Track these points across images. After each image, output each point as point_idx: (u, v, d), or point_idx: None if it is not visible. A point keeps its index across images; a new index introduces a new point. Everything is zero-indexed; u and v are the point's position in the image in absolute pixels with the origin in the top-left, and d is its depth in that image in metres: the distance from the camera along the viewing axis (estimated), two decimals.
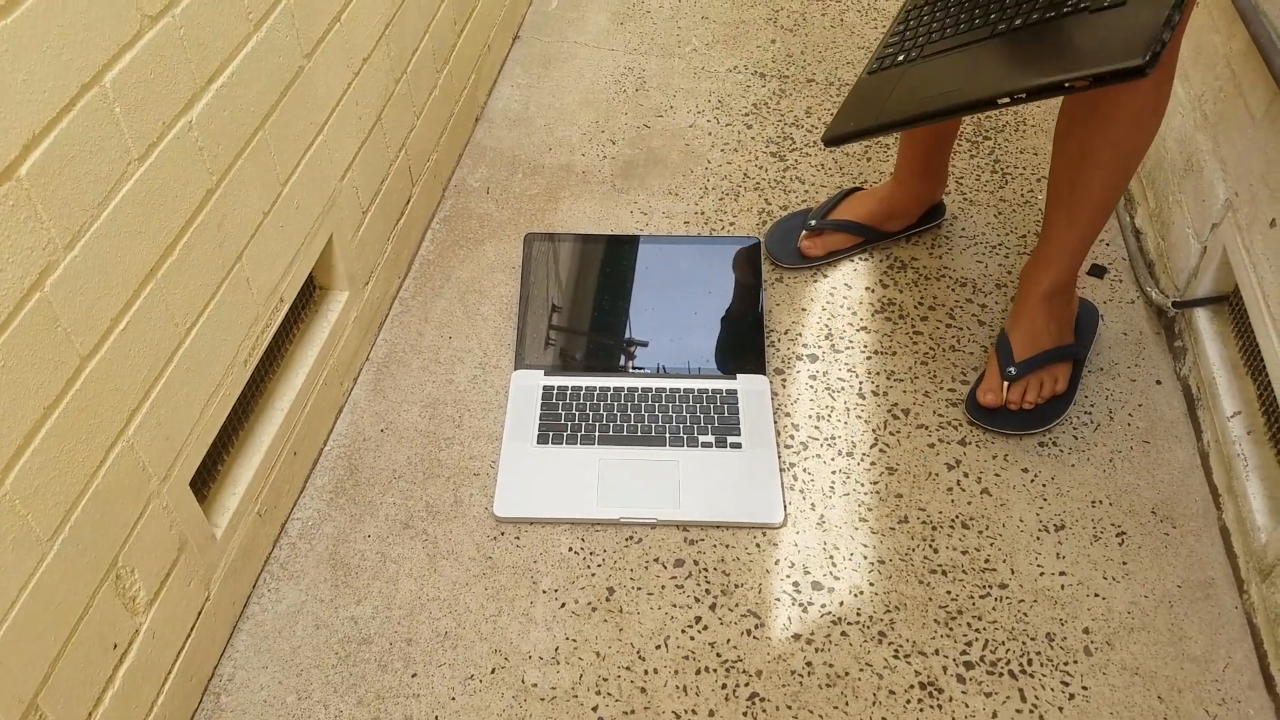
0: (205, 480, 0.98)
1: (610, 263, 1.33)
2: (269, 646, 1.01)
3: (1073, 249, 1.15)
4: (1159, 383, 1.25)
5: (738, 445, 1.16)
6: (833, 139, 1.02)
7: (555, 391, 1.21)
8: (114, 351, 0.77)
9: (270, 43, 0.94)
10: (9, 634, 0.69)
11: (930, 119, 0.94)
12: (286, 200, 1.01)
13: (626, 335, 1.27)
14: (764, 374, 1.23)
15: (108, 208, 0.74)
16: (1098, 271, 1.39)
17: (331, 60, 1.07)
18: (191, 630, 0.94)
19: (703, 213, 1.47)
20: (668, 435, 1.17)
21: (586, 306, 1.30)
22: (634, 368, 1.24)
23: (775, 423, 1.20)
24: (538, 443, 1.17)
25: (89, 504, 0.76)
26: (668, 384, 1.22)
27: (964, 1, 1.00)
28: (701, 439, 1.17)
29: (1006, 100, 0.88)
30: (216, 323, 0.91)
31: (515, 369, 1.25)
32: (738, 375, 1.23)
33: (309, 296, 1.17)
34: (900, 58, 1.01)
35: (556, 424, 1.18)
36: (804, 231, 1.38)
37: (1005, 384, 1.17)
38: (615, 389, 1.21)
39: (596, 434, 1.17)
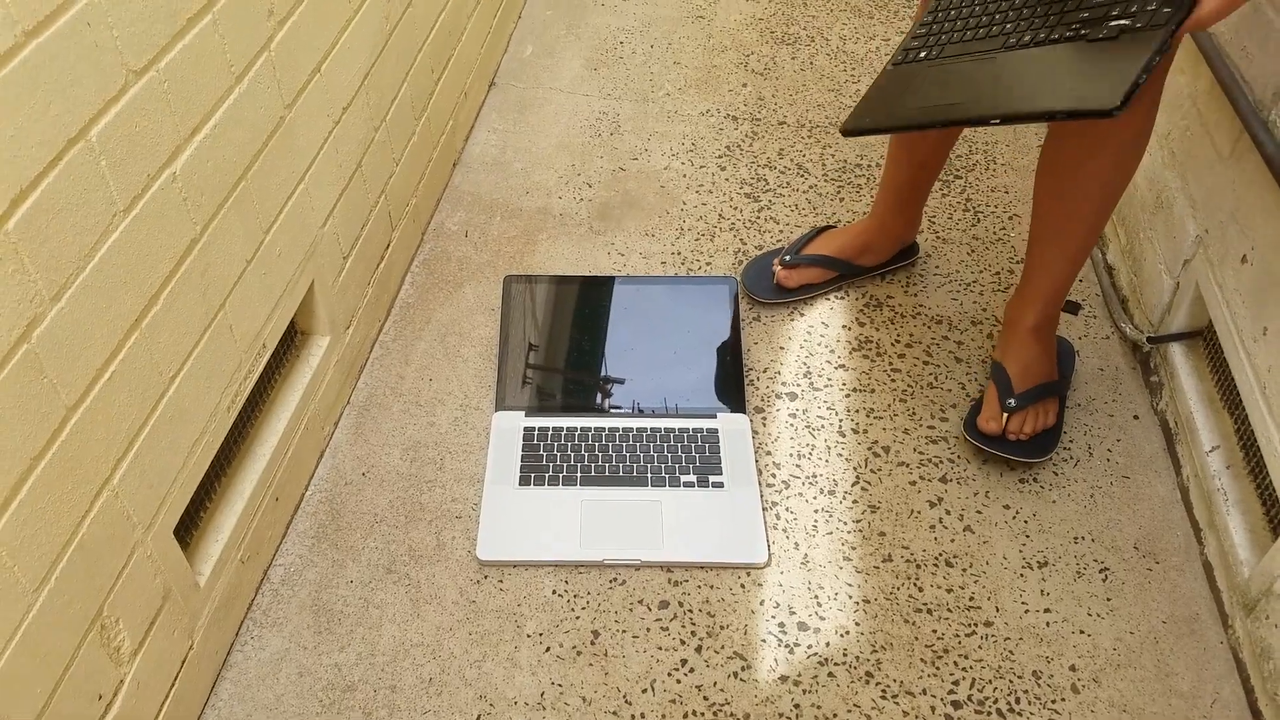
0: (188, 528, 0.98)
1: (589, 303, 1.35)
2: (252, 695, 1.00)
3: (1058, 283, 1.17)
4: (1136, 418, 1.28)
5: (720, 484, 1.17)
6: (850, 130, 1.05)
7: (536, 432, 1.22)
8: (99, 401, 0.77)
9: (252, 94, 0.95)
10: None
11: (934, 126, 0.98)
12: (269, 248, 1.02)
13: (605, 375, 1.28)
14: (744, 412, 1.25)
15: (93, 259, 0.74)
16: (1072, 308, 1.41)
17: (312, 110, 1.08)
18: (175, 679, 0.92)
19: (679, 253, 1.49)
20: (650, 475, 1.18)
21: (566, 347, 1.31)
22: (614, 407, 1.25)
23: (757, 461, 1.21)
24: (520, 484, 1.17)
25: (74, 554, 0.75)
26: (649, 423, 1.23)
27: (988, 3, 1.03)
28: (684, 479, 1.17)
29: (998, 121, 0.92)
30: (200, 370, 0.91)
31: (496, 410, 1.25)
32: (718, 414, 1.24)
33: (290, 342, 1.18)
34: (922, 54, 1.04)
35: (538, 465, 1.19)
36: (779, 265, 1.40)
37: (1005, 415, 1.19)
38: (596, 429, 1.22)
39: (579, 474, 1.18)
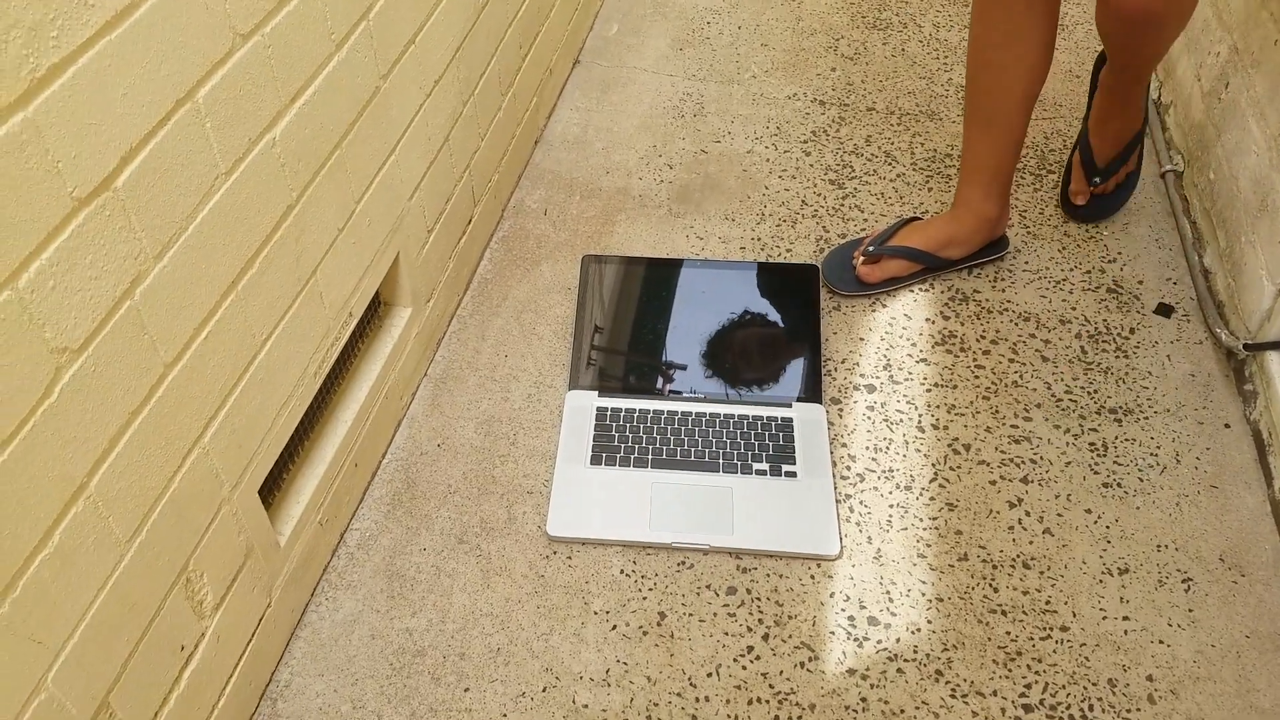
0: (271, 489, 1.00)
1: (668, 287, 1.34)
2: (325, 655, 1.02)
3: (1142, 73, 1.30)
4: (1228, 426, 1.22)
5: (793, 474, 1.16)
6: None
7: (609, 413, 1.22)
8: (195, 360, 0.79)
9: (350, 63, 0.96)
10: (87, 632, 0.71)
11: None
12: (359, 218, 1.03)
13: (683, 360, 1.27)
14: (820, 403, 1.23)
15: (195, 220, 0.76)
16: (1165, 310, 1.36)
17: (406, 81, 1.09)
18: (253, 636, 0.95)
19: (759, 239, 1.47)
20: (721, 461, 1.17)
21: (643, 330, 1.31)
22: (690, 390, 1.24)
23: (832, 453, 1.19)
24: (591, 464, 1.17)
25: (165, 508, 0.78)
26: (722, 409, 1.22)
27: None
28: (755, 466, 1.16)
29: None
30: (291, 335, 0.93)
31: (570, 389, 1.25)
32: (794, 404, 1.22)
33: (374, 312, 1.19)
34: None
35: (610, 446, 1.19)
36: (861, 258, 1.37)
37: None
38: (670, 412, 1.21)
39: (650, 457, 1.17)
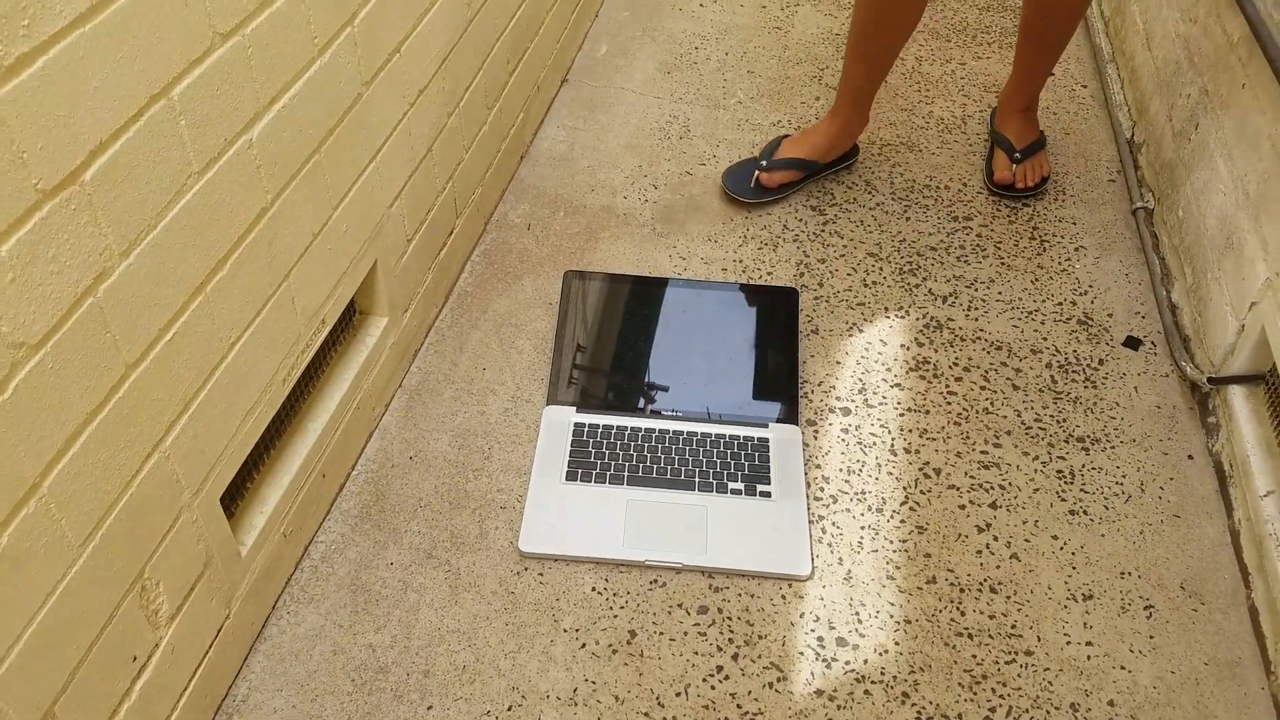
0: (234, 497, 0.98)
1: (650, 305, 1.34)
2: (285, 669, 1.00)
3: (1042, 73, 1.57)
4: (1191, 458, 1.24)
5: (767, 494, 1.15)
6: None
7: (586, 429, 1.21)
8: (159, 362, 0.77)
9: (332, 68, 0.95)
10: (33, 639, 0.69)
11: None
12: (336, 224, 1.03)
13: (661, 378, 1.27)
14: (797, 424, 1.23)
15: (165, 219, 0.75)
16: (1133, 344, 1.38)
17: (389, 89, 1.09)
18: (210, 648, 0.93)
19: (740, 261, 1.48)
20: (697, 480, 1.16)
21: (624, 347, 1.30)
22: (668, 410, 1.24)
23: (806, 474, 1.19)
24: (566, 479, 1.16)
25: (122, 513, 0.76)
26: (699, 428, 1.21)
27: None
28: (731, 486, 1.16)
29: None
30: (259, 340, 0.92)
31: (547, 404, 1.25)
32: (770, 424, 1.22)
33: (348, 320, 1.18)
34: None
35: (586, 462, 1.18)
36: (757, 171, 1.57)
37: (1014, 165, 1.58)
38: (646, 430, 1.21)
39: (625, 474, 1.17)
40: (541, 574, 1.09)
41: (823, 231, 1.53)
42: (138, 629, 0.81)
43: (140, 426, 0.77)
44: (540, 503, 1.14)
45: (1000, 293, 1.44)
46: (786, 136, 1.61)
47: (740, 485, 1.16)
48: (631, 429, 1.21)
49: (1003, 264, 1.48)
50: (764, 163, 1.57)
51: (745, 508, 1.14)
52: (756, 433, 1.21)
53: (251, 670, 1.00)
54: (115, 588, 0.77)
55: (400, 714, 0.97)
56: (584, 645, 1.03)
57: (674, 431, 1.21)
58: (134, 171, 0.71)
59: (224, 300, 0.85)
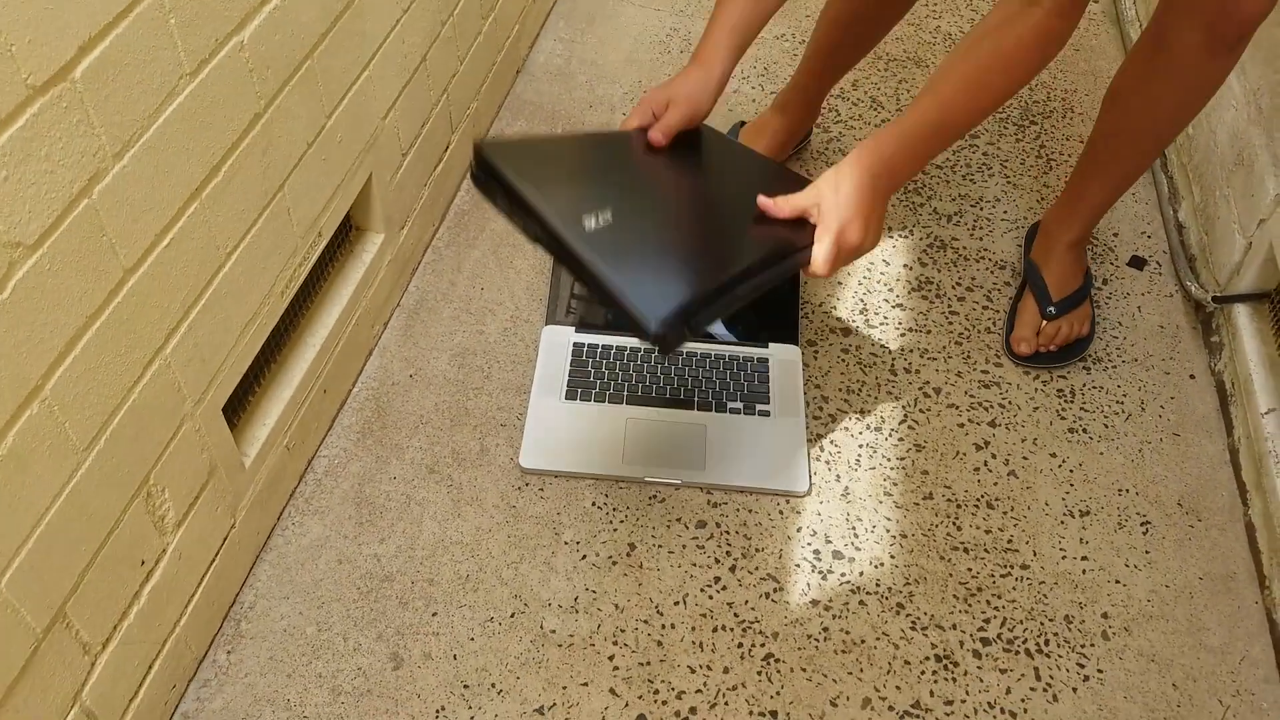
0: (236, 409, 0.98)
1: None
2: (291, 578, 1.02)
3: (1103, 203, 1.23)
4: (1192, 377, 1.24)
5: (766, 413, 1.16)
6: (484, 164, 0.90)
7: (585, 349, 1.21)
8: (156, 267, 0.77)
9: None
10: (41, 540, 0.70)
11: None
12: (330, 133, 1.01)
13: None
14: (796, 344, 1.23)
15: (158, 120, 0.74)
16: (1137, 263, 1.37)
17: None
18: (216, 555, 0.94)
19: None
20: (696, 398, 1.17)
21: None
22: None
23: (805, 394, 1.19)
24: (566, 398, 1.16)
25: (125, 418, 0.76)
26: (698, 348, 1.21)
27: None
28: (730, 405, 1.16)
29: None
30: (256, 250, 0.91)
31: (546, 324, 1.24)
32: (770, 344, 1.22)
33: (345, 236, 1.17)
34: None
35: (585, 381, 1.18)
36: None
37: (1044, 322, 1.23)
38: (646, 349, 1.21)
39: (625, 393, 1.17)
40: (542, 489, 1.10)
41: (827, 149, 1.51)
42: (145, 534, 0.82)
43: (140, 333, 0.76)
44: (540, 420, 1.15)
45: (1005, 212, 1.43)
46: (744, 124, 1.46)
47: (740, 404, 1.16)
48: (631, 348, 1.21)
49: (1009, 183, 1.47)
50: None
51: (744, 426, 1.14)
52: (756, 352, 1.21)
53: (258, 578, 1.01)
54: (121, 492, 0.78)
55: (406, 619, 0.99)
56: (584, 556, 1.05)
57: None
58: (124, 70, 0.69)
59: (220, 207, 0.84)
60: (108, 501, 0.76)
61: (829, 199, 0.88)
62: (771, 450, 1.13)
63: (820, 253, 0.87)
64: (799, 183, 0.94)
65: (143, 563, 0.83)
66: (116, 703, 0.83)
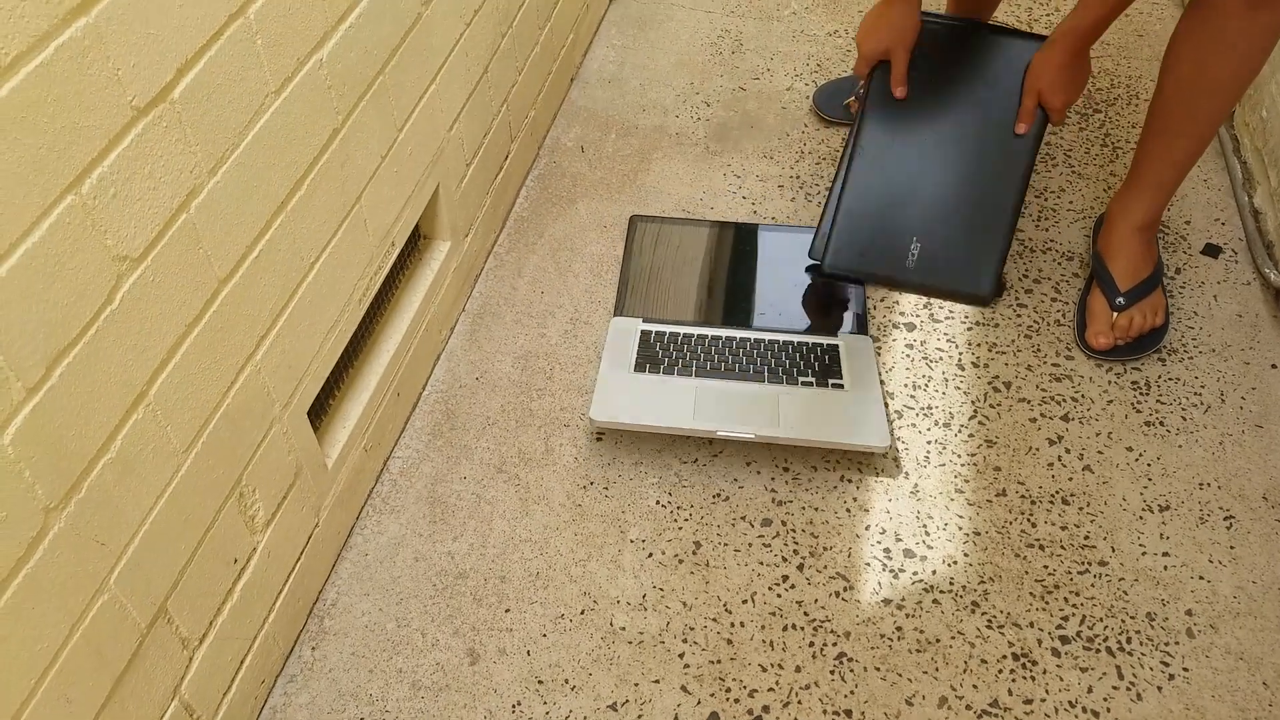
0: (319, 413, 1.02)
1: (712, 244, 1.34)
2: (371, 575, 1.05)
3: (1170, 179, 1.19)
4: (1274, 367, 1.21)
5: (840, 386, 1.15)
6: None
7: (654, 335, 1.22)
8: (247, 278, 0.80)
9: None
10: (145, 540, 0.73)
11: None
12: (401, 146, 1.04)
13: (727, 302, 1.27)
14: (867, 334, 1.23)
15: (247, 137, 0.77)
16: (1212, 251, 1.34)
17: (447, 8, 1.09)
18: (301, 554, 0.97)
19: (798, 177, 1.46)
20: (766, 374, 1.17)
21: (686, 280, 1.31)
22: (735, 323, 1.24)
23: (880, 371, 1.18)
24: (635, 370, 1.17)
25: (220, 422, 0.79)
26: (768, 335, 1.21)
27: None
28: (802, 380, 1.16)
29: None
30: (337, 260, 0.94)
31: (615, 316, 1.25)
32: (840, 335, 1.22)
33: (414, 245, 1.20)
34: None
35: (653, 358, 1.19)
36: (853, 96, 1.51)
37: (1114, 314, 1.21)
38: (714, 336, 1.21)
39: (694, 369, 1.17)
40: (607, 488, 1.12)
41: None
42: (237, 533, 0.85)
43: (234, 340, 0.79)
44: (610, 384, 1.15)
45: (1071, 202, 1.41)
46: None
47: (812, 379, 1.16)
48: (699, 335, 1.21)
49: (1074, 172, 1.45)
50: (861, 91, 1.49)
51: (818, 395, 1.14)
52: (826, 340, 1.21)
53: (339, 576, 1.05)
54: (217, 493, 0.81)
55: (480, 616, 1.01)
56: (650, 555, 1.06)
57: (741, 337, 1.21)
58: (218, 90, 0.72)
59: (303, 220, 0.87)
60: (204, 502, 0.80)
61: (1031, 78, 1.20)
62: (849, 411, 1.12)
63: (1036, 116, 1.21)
64: (1030, 47, 1.21)
65: (235, 561, 0.86)
66: (212, 696, 0.86)
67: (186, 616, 0.80)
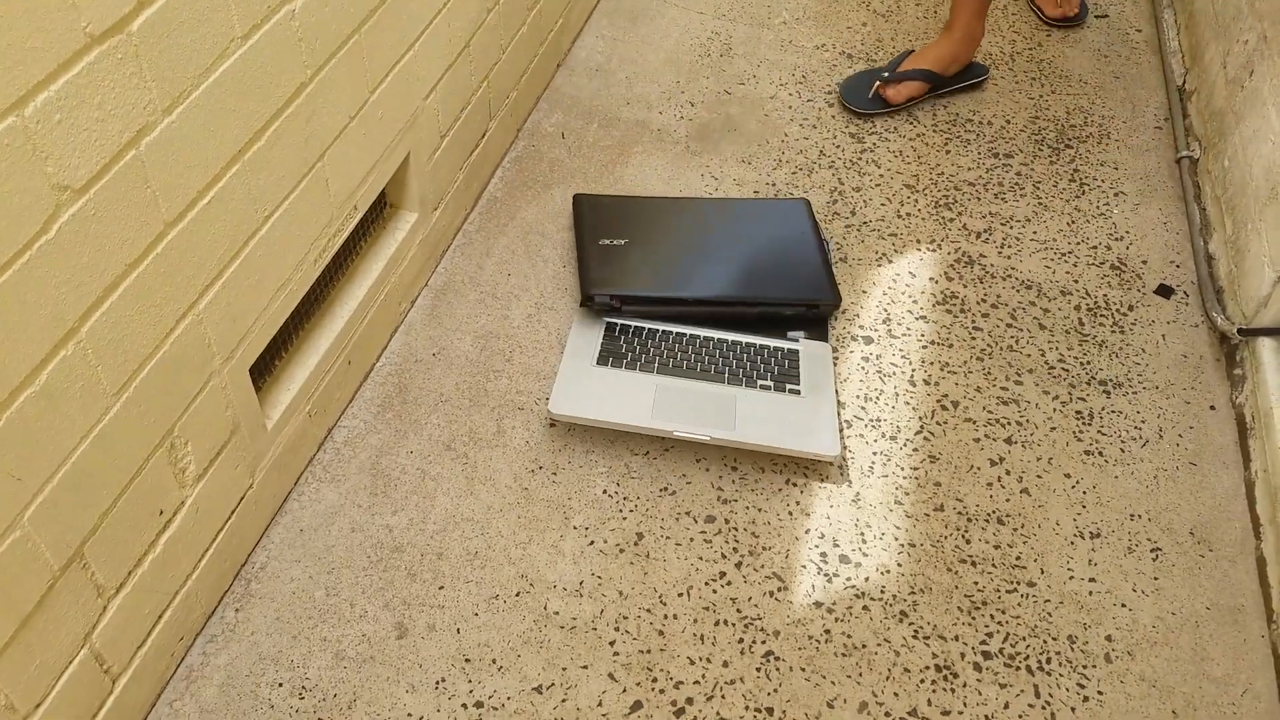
0: (263, 372, 1.00)
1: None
2: (304, 542, 1.03)
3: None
4: (1213, 408, 1.23)
5: (796, 392, 1.16)
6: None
7: (618, 328, 1.22)
8: (196, 224, 0.79)
9: None
10: (66, 479, 0.71)
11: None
12: (372, 109, 1.03)
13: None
14: (826, 341, 1.23)
15: (207, 80, 0.76)
16: (1165, 291, 1.36)
17: None
18: (232, 513, 0.96)
19: (774, 184, 1.47)
20: (726, 375, 1.17)
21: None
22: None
23: (835, 380, 1.19)
24: (597, 363, 1.17)
25: (155, 368, 0.78)
26: (729, 335, 1.22)
27: None
28: (760, 382, 1.17)
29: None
30: (293, 217, 0.93)
31: (581, 305, 1.25)
32: (800, 339, 1.23)
33: (379, 212, 1.19)
34: None
35: (617, 351, 1.19)
36: (878, 83, 1.57)
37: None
38: (677, 333, 1.21)
39: (655, 365, 1.18)
40: (555, 474, 1.11)
41: (859, 160, 1.51)
42: (165, 484, 0.84)
43: (176, 286, 0.78)
44: (570, 377, 1.15)
45: (1035, 232, 1.42)
46: (911, 51, 1.60)
47: (770, 383, 1.17)
48: (664, 331, 1.22)
49: (1040, 204, 1.47)
50: (886, 75, 1.57)
51: (774, 399, 1.15)
52: (785, 344, 1.22)
53: (271, 540, 1.03)
54: (146, 440, 0.80)
55: (413, 591, 1.00)
56: (592, 543, 1.06)
57: (704, 337, 1.22)
58: (179, 28, 0.71)
59: (261, 171, 0.86)
60: (132, 448, 0.78)
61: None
62: (802, 419, 1.13)
63: None
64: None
65: (161, 512, 0.85)
66: (125, 648, 0.84)
67: (104, 564, 0.78)
